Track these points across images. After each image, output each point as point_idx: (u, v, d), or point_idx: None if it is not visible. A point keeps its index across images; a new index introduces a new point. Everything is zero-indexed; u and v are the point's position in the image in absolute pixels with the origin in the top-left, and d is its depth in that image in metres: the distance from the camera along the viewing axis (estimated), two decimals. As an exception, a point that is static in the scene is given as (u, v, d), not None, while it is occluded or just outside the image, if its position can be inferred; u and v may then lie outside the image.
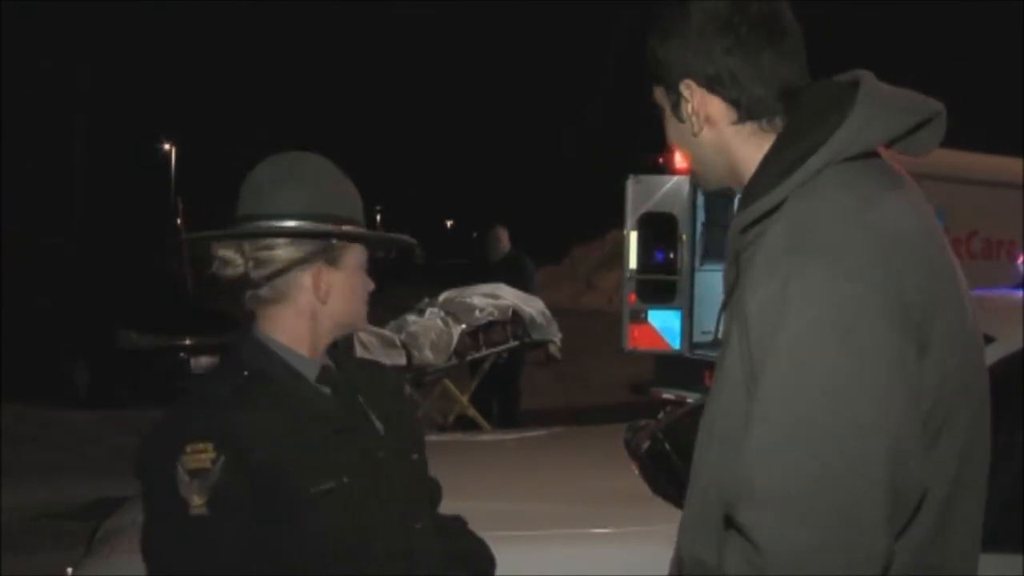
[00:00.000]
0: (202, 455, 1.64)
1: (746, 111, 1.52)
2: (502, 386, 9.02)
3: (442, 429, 7.97)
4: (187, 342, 11.78)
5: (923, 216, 1.47)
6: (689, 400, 7.79)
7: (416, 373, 7.86)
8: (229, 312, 11.11)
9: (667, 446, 3.33)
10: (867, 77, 1.49)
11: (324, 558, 1.71)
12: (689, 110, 1.55)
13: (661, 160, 9.83)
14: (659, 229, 9.71)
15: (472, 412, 8.58)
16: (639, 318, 9.76)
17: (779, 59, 1.50)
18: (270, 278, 1.80)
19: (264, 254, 1.80)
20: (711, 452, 1.49)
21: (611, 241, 27.59)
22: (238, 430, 1.68)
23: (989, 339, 2.48)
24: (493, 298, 8.46)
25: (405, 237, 2.02)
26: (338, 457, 1.77)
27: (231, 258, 1.81)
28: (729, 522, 1.34)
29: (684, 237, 9.64)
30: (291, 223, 1.81)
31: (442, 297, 8.45)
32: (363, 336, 7.39)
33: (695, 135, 1.57)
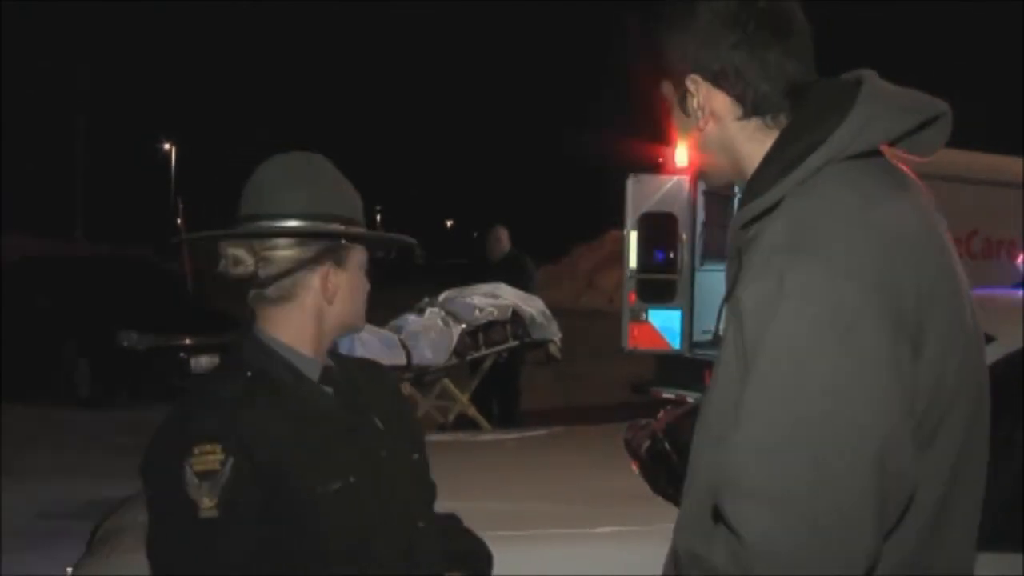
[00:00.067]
0: (211, 457, 1.63)
1: (751, 107, 1.52)
2: (502, 386, 9.02)
3: (442, 429, 7.97)
4: (187, 342, 11.78)
5: (925, 216, 1.47)
6: (689, 400, 7.80)
7: (416, 373, 7.86)
8: (229, 312, 11.12)
9: (667, 445, 3.33)
10: (870, 76, 1.49)
11: (330, 558, 1.71)
12: (695, 104, 1.56)
13: (661, 159, 9.83)
14: (659, 229, 9.70)
15: (472, 412, 8.58)
16: (639, 318, 9.76)
17: (786, 56, 1.50)
18: (278, 278, 1.80)
19: (273, 254, 1.80)
20: (708, 450, 1.49)
21: (611, 241, 27.62)
22: (245, 431, 1.67)
23: (989, 339, 2.48)
24: (493, 298, 8.46)
25: (406, 238, 2.02)
26: (343, 457, 1.77)
27: (242, 257, 1.80)
28: (718, 516, 1.35)
29: (684, 237, 9.63)
30: (298, 223, 1.81)
31: (442, 297, 8.45)
32: (363, 336, 7.39)
33: (700, 129, 1.57)
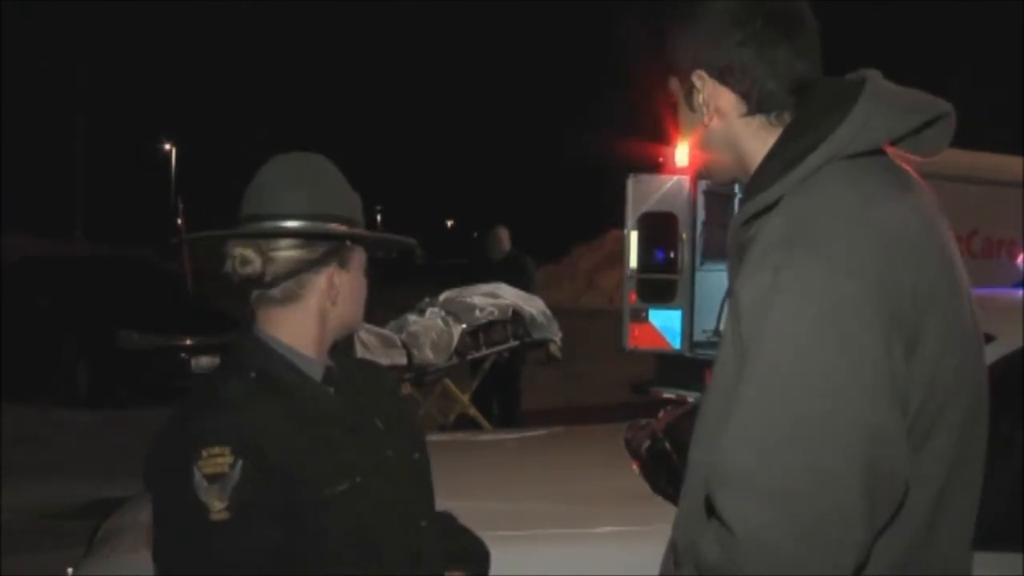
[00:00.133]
0: (219, 459, 1.62)
1: (756, 104, 1.53)
2: (503, 385, 9.02)
3: (443, 428, 7.97)
4: (187, 342, 11.78)
5: (926, 215, 1.47)
6: (690, 399, 7.80)
7: (417, 373, 7.86)
8: (229, 312, 11.12)
9: (667, 445, 3.32)
10: (874, 76, 1.50)
11: (338, 558, 1.71)
12: (700, 100, 1.57)
13: (661, 159, 9.83)
14: (659, 228, 9.70)
15: (473, 411, 8.58)
16: (640, 317, 9.76)
17: (792, 55, 1.51)
18: (285, 278, 1.79)
19: (280, 254, 1.79)
20: (707, 447, 1.49)
21: (611, 240, 27.63)
22: (253, 432, 1.66)
23: (989, 338, 2.48)
24: (493, 297, 8.46)
25: (408, 239, 2.01)
26: (349, 458, 1.77)
27: (250, 257, 1.79)
28: (711, 508, 1.35)
29: (684, 236, 9.63)
30: (299, 223, 1.81)
31: (443, 297, 8.45)
32: (364, 336, 7.40)
33: (705, 125, 1.59)
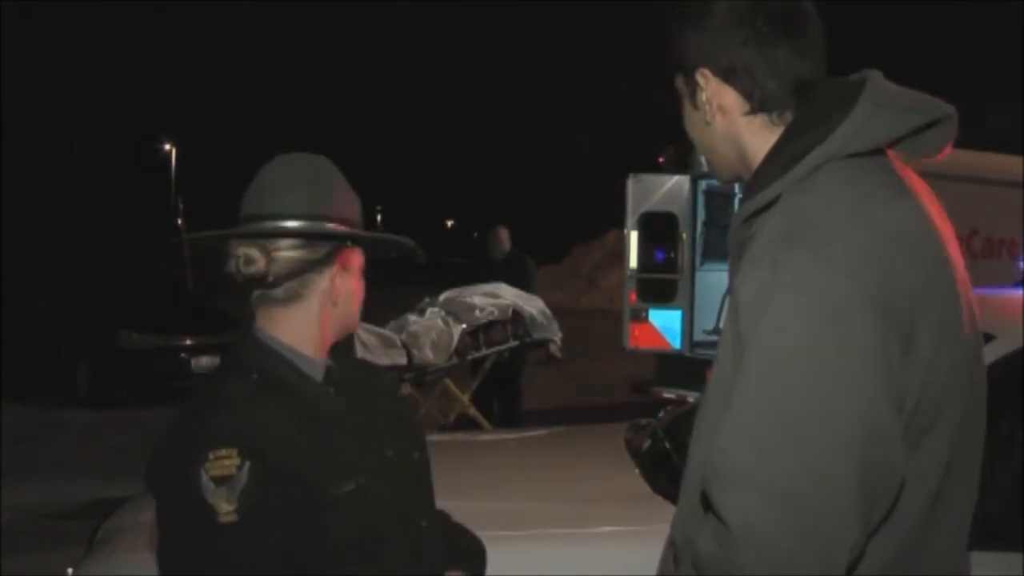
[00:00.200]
0: (226, 461, 1.61)
1: (758, 103, 1.55)
2: (503, 385, 9.02)
3: (443, 428, 7.98)
4: (187, 342, 11.79)
5: (925, 215, 1.48)
6: (690, 399, 7.80)
7: (417, 373, 7.86)
8: (229, 312, 11.12)
9: (668, 445, 3.32)
10: (875, 76, 1.51)
11: (343, 559, 1.71)
12: (703, 98, 1.58)
13: (661, 159, 9.84)
14: (660, 228, 9.71)
15: (473, 411, 8.58)
16: (640, 317, 9.76)
17: (795, 55, 1.52)
18: (288, 278, 1.79)
19: (283, 254, 1.79)
20: (706, 445, 1.49)
21: (612, 240, 27.65)
22: (258, 434, 1.66)
23: (989, 338, 2.47)
24: (494, 297, 8.47)
25: (407, 240, 2.01)
26: (353, 458, 1.77)
27: (254, 257, 1.79)
28: (707, 503, 1.36)
29: (685, 236, 9.64)
30: (298, 223, 1.81)
31: (443, 297, 8.45)
32: (364, 336, 7.40)
33: (708, 123, 1.60)
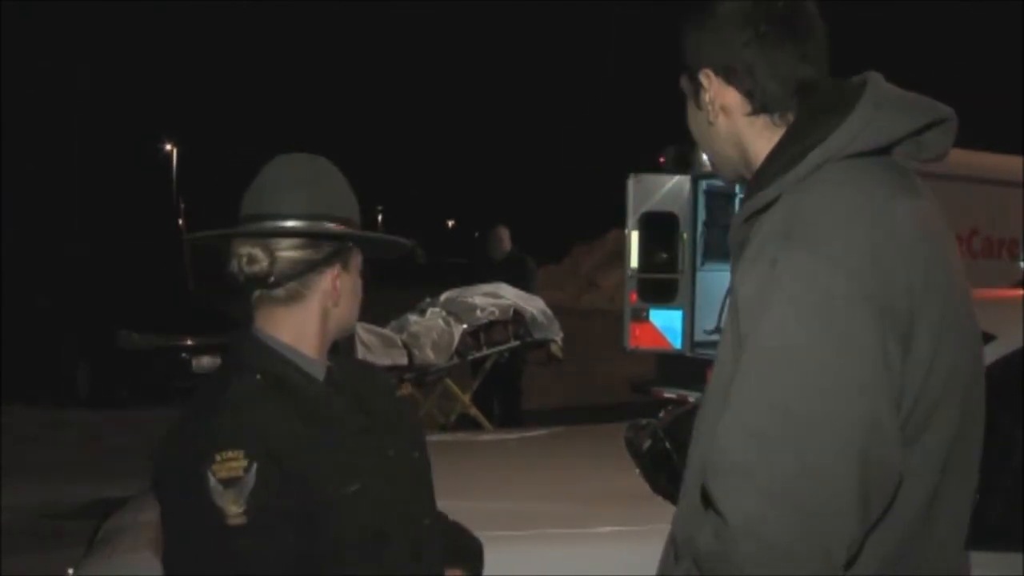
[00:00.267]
0: (234, 463, 1.60)
1: (760, 104, 1.56)
2: (503, 385, 9.02)
3: (444, 428, 7.98)
4: (188, 342, 11.79)
5: (924, 215, 1.48)
6: (690, 399, 7.80)
7: (418, 373, 7.86)
8: (230, 312, 11.12)
9: (668, 445, 3.33)
10: (875, 78, 1.52)
11: (347, 559, 1.71)
12: (706, 99, 1.60)
13: (662, 159, 9.84)
14: (660, 228, 9.72)
15: (474, 411, 8.58)
16: (640, 317, 9.77)
17: (797, 57, 1.54)
18: (290, 278, 1.79)
19: (286, 254, 1.79)
20: (706, 444, 1.50)
21: (612, 240, 27.65)
22: (264, 434, 1.65)
23: (989, 338, 2.47)
24: (494, 297, 8.46)
25: (406, 241, 2.01)
26: (357, 458, 1.76)
27: (258, 256, 1.79)
28: (707, 499, 1.37)
29: (685, 236, 9.64)
30: (298, 223, 1.81)
31: (443, 297, 8.45)
32: (365, 336, 7.40)
33: (711, 124, 1.62)
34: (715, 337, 8.82)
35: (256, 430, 1.65)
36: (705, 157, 1.78)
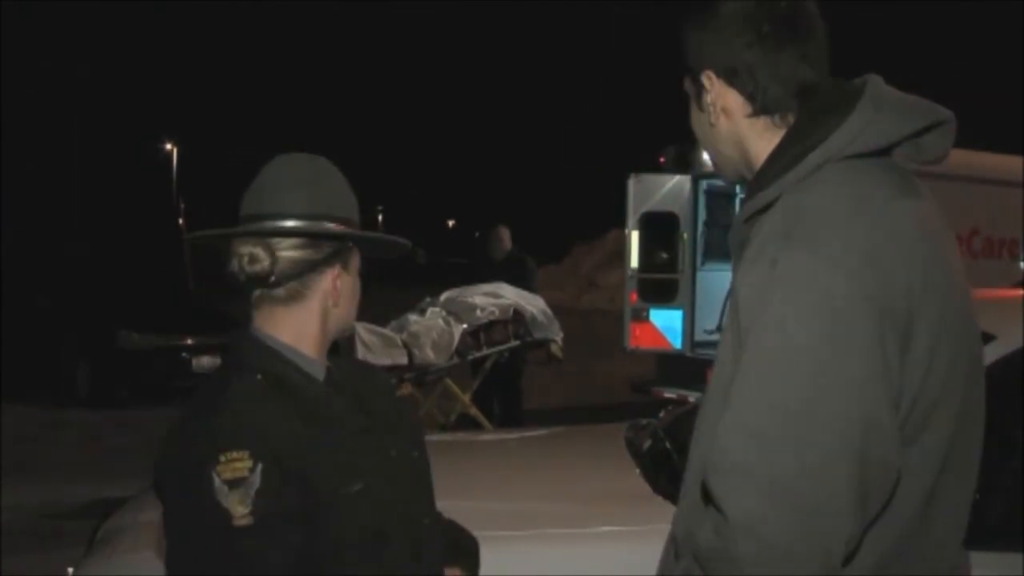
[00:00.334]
0: (238, 464, 1.59)
1: (761, 106, 1.57)
2: (504, 385, 9.02)
3: (444, 428, 7.98)
4: (188, 342, 11.79)
5: (923, 215, 1.49)
6: (691, 399, 7.80)
7: (418, 372, 7.86)
8: (230, 312, 11.12)
9: (668, 445, 3.33)
10: (874, 80, 1.53)
11: (349, 559, 1.71)
12: (708, 100, 1.61)
13: (662, 159, 9.84)
14: (660, 228, 9.71)
15: (474, 411, 8.58)
16: (641, 317, 9.77)
17: (798, 58, 1.54)
18: (291, 278, 1.79)
19: (287, 254, 1.79)
20: (706, 443, 1.51)
21: (612, 240, 27.65)
22: (267, 434, 1.64)
23: (989, 338, 2.47)
24: (494, 297, 8.47)
25: (406, 241, 2.01)
26: (358, 458, 1.76)
27: (259, 255, 1.78)
28: (708, 496, 1.38)
29: (685, 236, 9.64)
30: (298, 223, 1.81)
31: (443, 296, 8.45)
32: (365, 336, 7.40)
33: (713, 125, 1.62)
34: (715, 337, 8.82)
35: (257, 430, 1.64)
36: (706, 157, 1.78)
